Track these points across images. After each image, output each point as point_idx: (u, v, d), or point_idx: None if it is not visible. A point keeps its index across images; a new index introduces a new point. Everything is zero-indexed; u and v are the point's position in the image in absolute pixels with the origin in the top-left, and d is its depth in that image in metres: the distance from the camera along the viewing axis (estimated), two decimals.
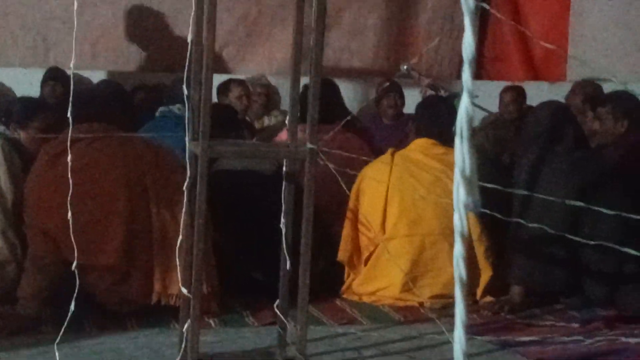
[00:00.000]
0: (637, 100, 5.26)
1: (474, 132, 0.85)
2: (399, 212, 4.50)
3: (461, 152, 0.76)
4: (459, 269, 0.76)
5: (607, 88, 5.90)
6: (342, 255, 4.56)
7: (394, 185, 4.54)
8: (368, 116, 6.54)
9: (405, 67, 6.04)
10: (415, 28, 7.64)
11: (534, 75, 7.66)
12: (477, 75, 7.54)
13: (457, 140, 0.78)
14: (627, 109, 5.23)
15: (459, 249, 0.78)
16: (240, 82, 6.40)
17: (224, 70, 6.92)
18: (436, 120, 4.72)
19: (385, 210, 4.51)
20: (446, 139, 4.71)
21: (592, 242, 3.35)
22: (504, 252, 4.51)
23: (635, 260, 4.27)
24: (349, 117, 4.84)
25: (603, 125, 5.26)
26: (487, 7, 2.95)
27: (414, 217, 4.50)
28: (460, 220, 0.77)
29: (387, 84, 5.93)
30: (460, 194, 0.76)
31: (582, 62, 6.24)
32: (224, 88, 6.23)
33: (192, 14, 3.28)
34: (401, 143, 4.99)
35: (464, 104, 0.78)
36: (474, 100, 0.85)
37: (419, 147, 4.68)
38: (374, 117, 6.49)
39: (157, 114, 5.27)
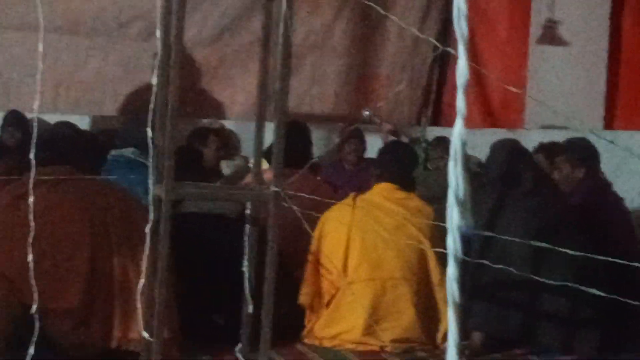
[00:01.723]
0: (593, 147, 5.36)
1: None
2: (360, 256, 4.52)
3: (455, 175, 0.77)
4: (452, 291, 0.77)
5: (564, 135, 5.98)
6: (303, 298, 4.55)
7: (356, 229, 4.56)
8: (330, 161, 6.58)
9: (366, 113, 6.09)
10: (375, 75, 7.72)
11: (492, 122, 7.77)
12: (436, 121, 7.63)
13: (450, 164, 0.80)
14: (583, 156, 5.32)
15: (452, 271, 0.79)
16: (217, 132, 6.39)
17: (184, 115, 6.92)
18: (398, 166, 4.77)
19: (347, 254, 4.53)
20: (407, 184, 4.76)
21: (555, 283, 3.37)
22: (462, 297, 4.52)
23: (591, 306, 4.33)
24: (313, 160, 4.86)
25: (561, 173, 5.35)
26: (452, 51, 2.98)
27: (375, 260, 4.51)
28: (453, 242, 0.79)
29: (349, 129, 5.99)
30: (453, 216, 0.77)
31: (544, 106, 6.33)
32: (202, 138, 6.15)
33: (158, 58, 3.29)
34: (363, 188, 5.01)
35: (457, 129, 0.80)
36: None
37: (381, 192, 4.72)
38: (335, 163, 6.52)
39: (109, 157, 5.24)
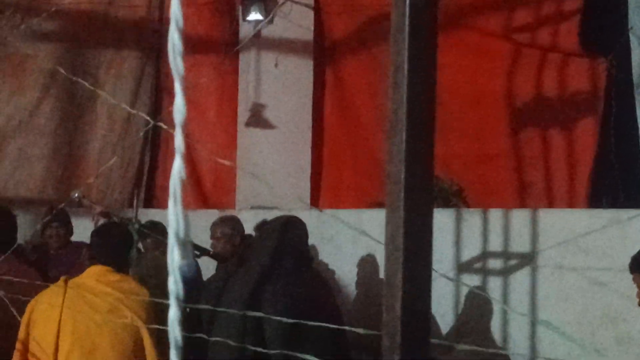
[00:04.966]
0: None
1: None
2: (72, 341, 4.34)
3: (175, 214, 0.76)
4: (175, 333, 0.75)
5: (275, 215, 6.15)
6: None
7: (67, 313, 4.39)
8: (35, 245, 6.34)
9: (76, 195, 5.94)
10: (84, 156, 7.58)
11: (204, 203, 7.85)
12: (150, 204, 7.59)
13: (170, 203, 0.79)
14: None
15: (174, 313, 0.77)
16: None
17: None
18: (111, 248, 4.67)
19: (58, 339, 4.34)
20: (122, 267, 4.67)
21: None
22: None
23: None
24: (16, 245, 4.66)
25: None
26: (164, 126, 2.99)
27: (88, 346, 4.35)
28: (175, 283, 0.77)
29: (52, 212, 5.81)
30: (174, 257, 0.76)
31: (256, 186, 6.46)
32: None
33: None
34: (73, 271, 4.86)
35: (176, 166, 0.79)
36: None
37: (94, 275, 4.58)
38: (40, 246, 6.29)
39: None
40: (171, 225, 0.77)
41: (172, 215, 0.77)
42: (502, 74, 6.88)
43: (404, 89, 1.37)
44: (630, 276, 4.33)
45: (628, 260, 4.35)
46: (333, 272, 6.47)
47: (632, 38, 5.79)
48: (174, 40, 0.74)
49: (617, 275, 4.92)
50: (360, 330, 2.13)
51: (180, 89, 0.77)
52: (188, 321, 4.23)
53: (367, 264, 6.36)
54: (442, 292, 5.67)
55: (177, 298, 0.75)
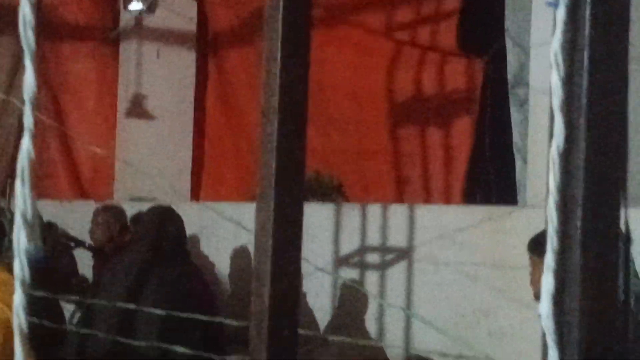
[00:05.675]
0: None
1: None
2: None
3: (23, 195, 0.74)
4: (20, 319, 0.73)
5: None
6: None
7: None
8: None
9: None
10: None
11: (82, 194, 7.69)
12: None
13: (18, 184, 0.76)
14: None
15: (18, 299, 0.74)
16: None
17: None
18: None
19: None
20: None
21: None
22: None
23: None
24: None
25: None
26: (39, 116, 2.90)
27: None
28: (21, 268, 0.74)
29: None
30: (21, 240, 0.73)
31: (134, 178, 6.37)
32: None
33: None
34: None
35: (25, 146, 0.76)
36: None
37: None
38: None
39: None
40: (18, 207, 0.75)
41: (20, 196, 0.74)
42: (383, 71, 6.97)
43: (277, 77, 1.37)
44: (503, 271, 4.45)
45: (501, 256, 4.46)
46: (213, 265, 6.43)
47: (508, 39, 5.94)
48: (25, 12, 0.71)
49: (490, 270, 5.04)
50: (231, 322, 2.12)
51: (30, 63, 0.74)
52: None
53: (239, 256, 6.34)
54: (320, 286, 5.71)
55: (23, 283, 0.72)
